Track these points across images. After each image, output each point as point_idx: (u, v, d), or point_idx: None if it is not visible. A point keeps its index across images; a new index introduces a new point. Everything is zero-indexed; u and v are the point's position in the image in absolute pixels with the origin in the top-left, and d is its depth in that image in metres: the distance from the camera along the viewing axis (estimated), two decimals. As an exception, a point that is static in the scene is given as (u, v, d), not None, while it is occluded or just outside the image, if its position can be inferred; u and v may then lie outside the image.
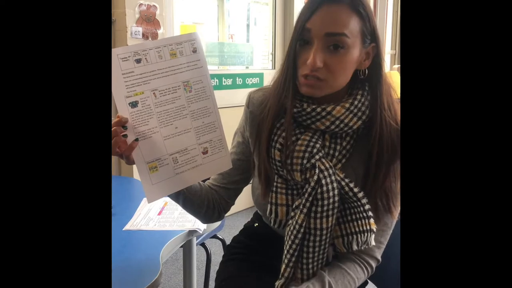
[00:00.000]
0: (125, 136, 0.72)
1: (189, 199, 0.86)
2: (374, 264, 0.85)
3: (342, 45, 0.74)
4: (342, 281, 0.81)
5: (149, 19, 2.17)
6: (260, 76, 3.06)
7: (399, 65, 3.56)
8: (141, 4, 2.12)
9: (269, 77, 3.35)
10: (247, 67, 3.14)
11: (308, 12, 0.75)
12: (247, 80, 2.96)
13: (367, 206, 0.78)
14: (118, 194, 1.42)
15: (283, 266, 0.82)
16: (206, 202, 0.89)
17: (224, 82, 2.80)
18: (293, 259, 0.81)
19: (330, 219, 0.79)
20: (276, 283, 0.83)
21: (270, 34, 3.21)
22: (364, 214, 0.78)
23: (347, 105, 0.78)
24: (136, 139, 0.73)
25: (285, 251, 0.82)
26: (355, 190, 0.78)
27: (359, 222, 0.79)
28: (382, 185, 0.80)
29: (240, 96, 2.97)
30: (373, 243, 0.79)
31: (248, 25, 3.34)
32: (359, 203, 0.78)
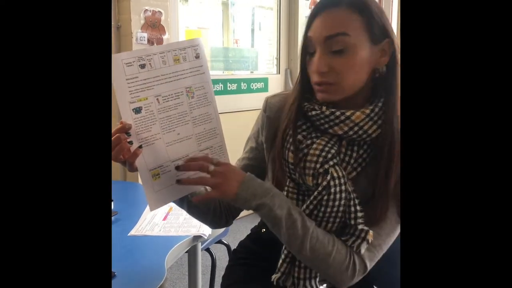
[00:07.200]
0: (131, 143, 0.72)
1: (193, 205, 0.86)
2: (358, 266, 0.77)
3: (344, 45, 0.73)
4: (323, 234, 0.76)
5: (154, 25, 2.18)
6: (265, 80, 3.06)
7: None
8: (146, 10, 2.13)
9: (274, 82, 3.35)
10: (252, 72, 3.14)
11: (309, 22, 0.77)
12: (252, 85, 2.96)
13: (360, 226, 0.75)
14: (123, 199, 1.42)
15: (280, 261, 0.81)
16: (212, 208, 0.88)
17: (229, 87, 2.80)
18: (290, 255, 0.80)
19: (329, 225, 0.77)
20: (273, 277, 0.82)
21: (275, 39, 3.22)
22: (356, 235, 0.76)
23: (367, 111, 0.76)
24: (140, 146, 0.73)
25: (283, 247, 0.81)
26: (358, 208, 0.76)
27: (351, 238, 0.76)
28: (395, 192, 0.76)
29: (245, 101, 2.98)
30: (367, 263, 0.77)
31: (252, 30, 3.35)
32: (354, 222, 0.76)
